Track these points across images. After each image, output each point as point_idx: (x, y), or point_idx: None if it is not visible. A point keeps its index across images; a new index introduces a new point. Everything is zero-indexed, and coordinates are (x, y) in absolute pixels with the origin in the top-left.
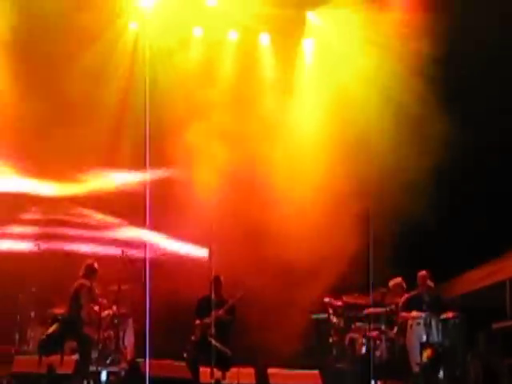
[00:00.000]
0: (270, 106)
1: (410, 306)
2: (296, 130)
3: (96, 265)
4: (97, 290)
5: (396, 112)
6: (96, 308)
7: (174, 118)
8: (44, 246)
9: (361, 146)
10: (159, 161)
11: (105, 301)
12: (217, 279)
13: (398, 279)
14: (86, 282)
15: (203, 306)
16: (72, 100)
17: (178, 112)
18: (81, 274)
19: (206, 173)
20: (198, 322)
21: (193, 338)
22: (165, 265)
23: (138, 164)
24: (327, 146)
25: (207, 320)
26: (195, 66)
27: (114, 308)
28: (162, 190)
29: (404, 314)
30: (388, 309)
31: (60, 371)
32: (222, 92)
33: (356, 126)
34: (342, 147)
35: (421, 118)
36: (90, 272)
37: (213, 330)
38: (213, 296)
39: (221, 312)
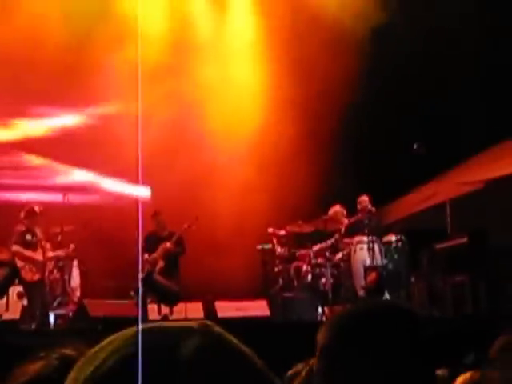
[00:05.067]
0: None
1: (352, 231)
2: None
3: (36, 208)
4: (39, 234)
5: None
6: (37, 252)
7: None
8: None
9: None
10: (98, 98)
11: (48, 244)
12: (157, 214)
13: (337, 206)
14: (21, 227)
15: (150, 242)
16: (16, 40)
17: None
18: (21, 217)
19: (143, 108)
20: (146, 256)
21: (139, 275)
22: (107, 205)
23: (77, 104)
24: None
25: (155, 254)
26: None
27: (59, 251)
28: (102, 129)
29: (347, 239)
30: (332, 241)
31: (6, 317)
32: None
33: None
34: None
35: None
36: (30, 215)
37: (162, 264)
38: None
39: (168, 244)
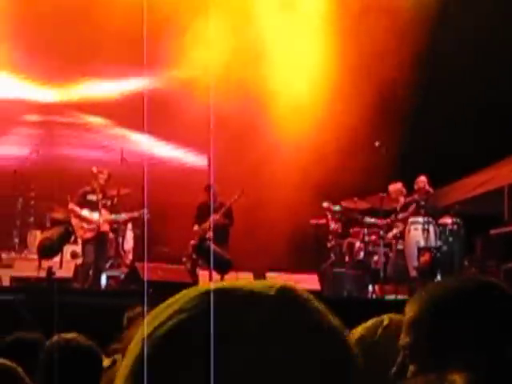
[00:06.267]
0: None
1: (408, 210)
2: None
3: (95, 170)
4: (101, 196)
5: None
6: (96, 213)
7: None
8: (43, 151)
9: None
10: (158, 64)
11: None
12: (210, 186)
13: (398, 184)
14: (86, 187)
15: (201, 211)
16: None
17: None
18: (91, 179)
19: (204, 76)
20: (196, 227)
21: (191, 242)
22: (163, 171)
23: (137, 67)
24: None
25: (205, 225)
26: None
27: (131, 214)
28: (163, 95)
29: (402, 218)
30: (387, 221)
31: (59, 275)
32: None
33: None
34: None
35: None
36: (96, 177)
37: (210, 234)
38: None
39: (217, 216)
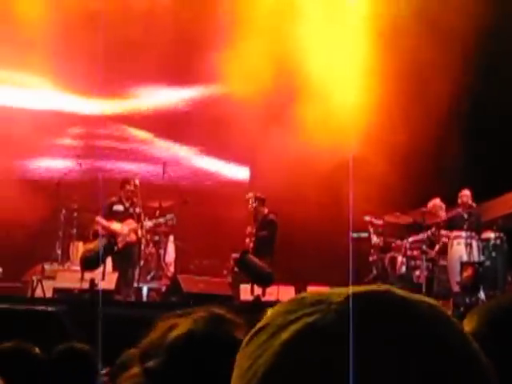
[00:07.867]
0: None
1: (450, 225)
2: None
3: (132, 180)
4: (129, 205)
5: None
6: (124, 223)
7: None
8: (86, 163)
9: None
10: (202, 77)
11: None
12: (256, 198)
13: (436, 200)
14: (112, 198)
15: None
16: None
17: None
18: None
19: (249, 89)
20: (248, 240)
21: (233, 255)
22: (206, 184)
23: (180, 81)
24: None
25: (247, 239)
26: None
27: (149, 222)
28: (204, 108)
29: (445, 233)
30: (428, 234)
31: (102, 287)
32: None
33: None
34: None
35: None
36: (123, 187)
37: (251, 246)
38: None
39: (249, 228)
